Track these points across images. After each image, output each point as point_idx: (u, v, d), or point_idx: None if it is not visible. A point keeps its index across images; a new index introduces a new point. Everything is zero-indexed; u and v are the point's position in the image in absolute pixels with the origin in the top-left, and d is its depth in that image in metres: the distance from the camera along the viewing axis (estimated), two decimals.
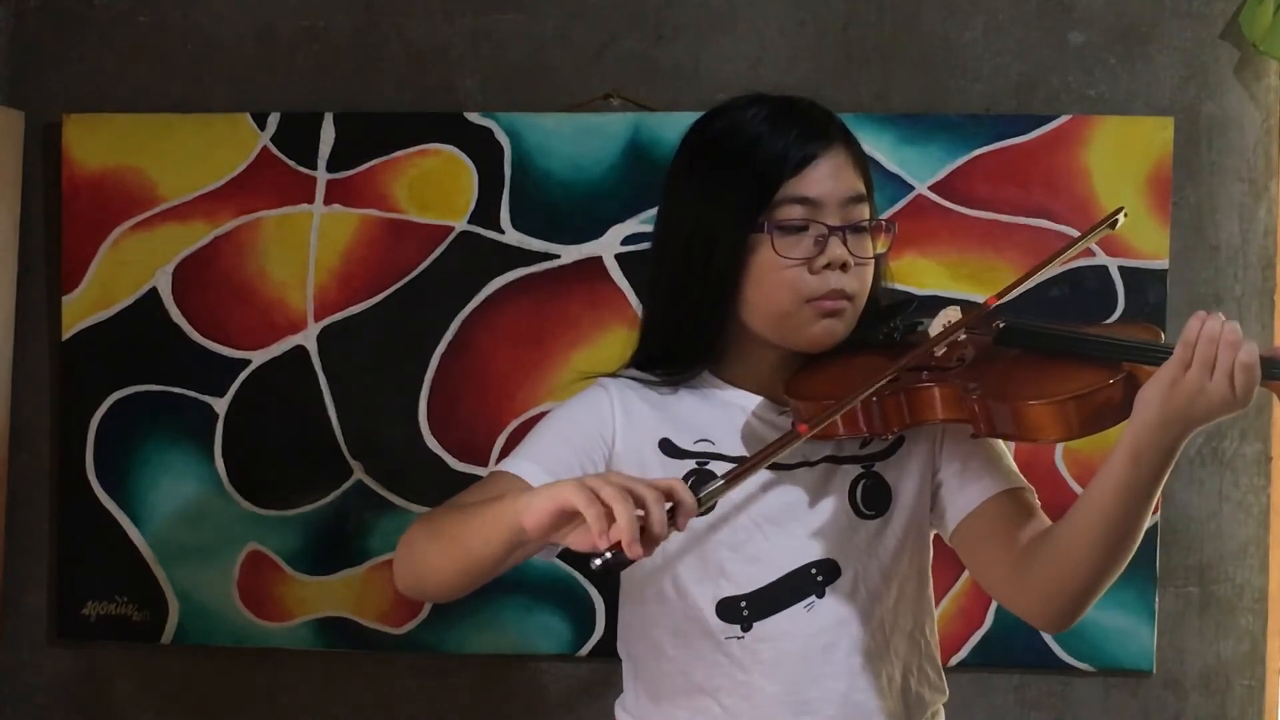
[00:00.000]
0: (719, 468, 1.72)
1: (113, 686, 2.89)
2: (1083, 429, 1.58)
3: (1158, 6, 2.74)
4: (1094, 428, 1.59)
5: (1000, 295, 1.71)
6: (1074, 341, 1.65)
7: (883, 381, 1.63)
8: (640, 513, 1.43)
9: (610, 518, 1.42)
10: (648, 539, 1.43)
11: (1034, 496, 1.76)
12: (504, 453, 2.71)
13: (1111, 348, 1.61)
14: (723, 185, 1.70)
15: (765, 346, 1.75)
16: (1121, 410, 1.58)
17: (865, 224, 1.72)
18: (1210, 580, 2.74)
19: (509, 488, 1.67)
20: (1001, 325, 1.72)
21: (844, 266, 1.69)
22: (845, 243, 1.69)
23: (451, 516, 1.64)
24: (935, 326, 1.72)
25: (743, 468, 1.53)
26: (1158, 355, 1.56)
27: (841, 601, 1.73)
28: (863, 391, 1.62)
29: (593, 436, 1.75)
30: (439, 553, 1.64)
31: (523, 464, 1.72)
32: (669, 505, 1.45)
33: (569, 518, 1.47)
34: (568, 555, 1.76)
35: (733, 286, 1.71)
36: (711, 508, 1.67)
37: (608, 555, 1.42)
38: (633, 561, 1.43)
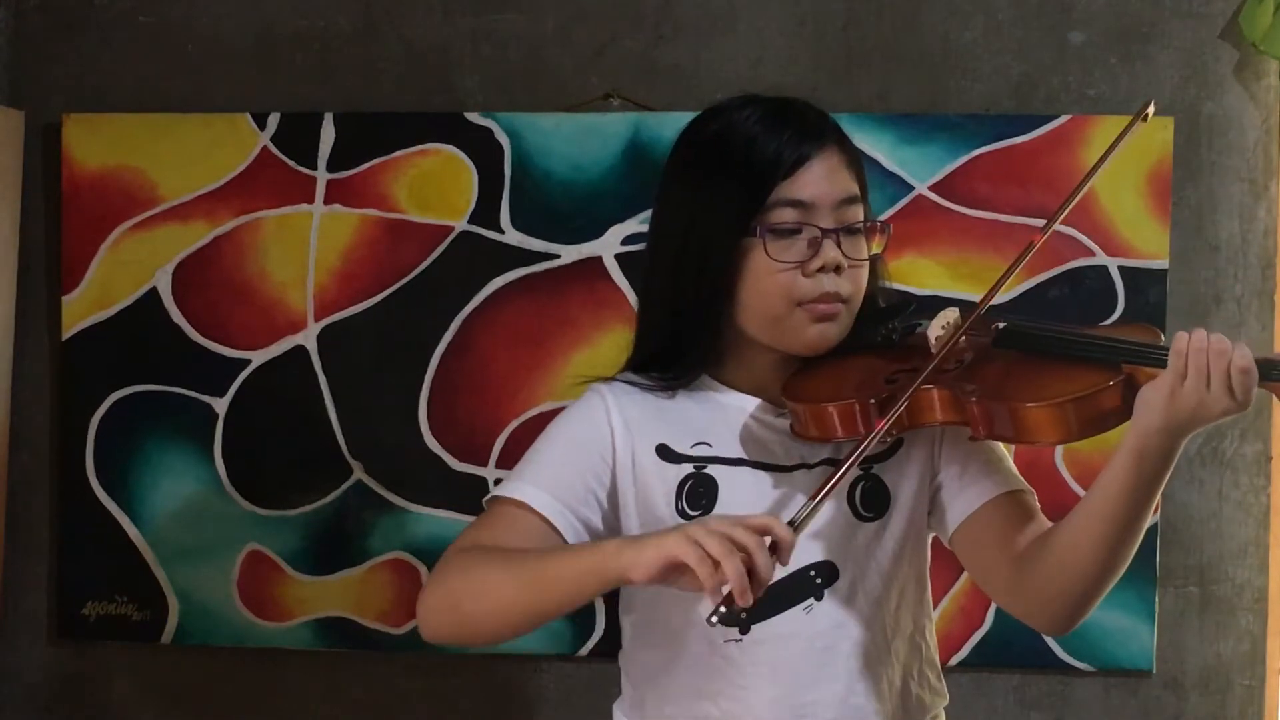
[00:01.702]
0: (717, 471, 1.72)
1: (112, 686, 2.90)
2: (1082, 431, 1.58)
3: (1158, 6, 2.74)
4: (1093, 430, 1.58)
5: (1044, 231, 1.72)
6: (1073, 343, 1.65)
7: (913, 388, 1.63)
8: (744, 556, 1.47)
9: (720, 573, 1.47)
10: (756, 583, 1.48)
11: (1034, 499, 1.75)
12: (504, 453, 2.75)
13: (1110, 349, 1.61)
14: (716, 188, 1.69)
15: (762, 349, 1.74)
16: (1121, 412, 1.57)
17: (859, 226, 1.71)
18: (1210, 580, 2.74)
19: (523, 525, 1.69)
20: (1000, 327, 1.72)
21: (837, 269, 1.68)
22: (839, 245, 1.68)
23: (510, 566, 1.64)
24: (934, 327, 1.71)
25: (829, 483, 1.57)
26: (1157, 357, 1.55)
27: (840, 604, 1.73)
28: (905, 398, 1.63)
29: (593, 450, 1.74)
30: (498, 602, 1.64)
31: (526, 489, 1.71)
32: (769, 541, 1.49)
33: (679, 570, 1.51)
34: None
35: (726, 290, 1.70)
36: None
37: (723, 610, 1.47)
38: (745, 610, 1.50)
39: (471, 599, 1.65)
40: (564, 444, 1.76)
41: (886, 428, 1.61)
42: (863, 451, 1.59)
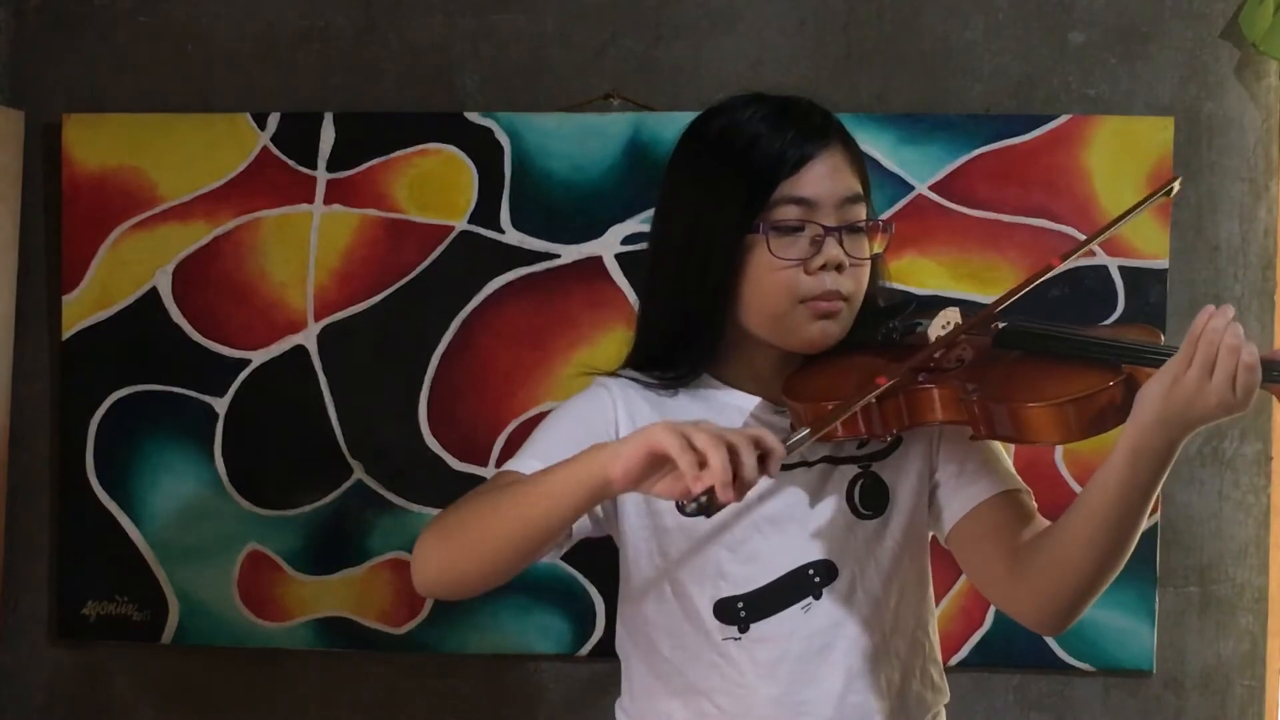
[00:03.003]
0: None
1: (113, 686, 2.89)
2: (1082, 431, 1.58)
3: (1158, 6, 2.74)
4: (1093, 430, 1.58)
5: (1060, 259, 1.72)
6: (1073, 343, 1.65)
7: (888, 385, 1.63)
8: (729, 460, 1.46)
9: (703, 463, 1.44)
10: (739, 484, 1.46)
11: (1031, 499, 1.75)
12: (504, 453, 2.75)
13: (1111, 349, 1.61)
14: (719, 185, 1.70)
15: (763, 347, 1.74)
16: (1121, 412, 1.57)
17: (862, 224, 1.71)
18: (1210, 580, 2.74)
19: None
20: (1001, 327, 1.72)
21: (840, 267, 1.68)
22: (841, 243, 1.69)
23: (492, 498, 1.63)
24: (934, 327, 1.72)
25: (831, 415, 1.57)
26: (1157, 357, 1.55)
27: (839, 603, 1.73)
28: (866, 395, 1.62)
29: (598, 434, 1.74)
30: (480, 537, 1.61)
31: (531, 463, 1.71)
32: (758, 453, 1.48)
33: (659, 464, 1.49)
34: (568, 554, 1.77)
35: (729, 287, 1.70)
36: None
37: (701, 499, 1.45)
38: (723, 506, 1.47)
39: (461, 529, 1.64)
40: (569, 425, 1.76)
41: (889, 386, 1.63)
42: (866, 400, 1.61)
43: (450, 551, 1.65)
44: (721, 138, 1.72)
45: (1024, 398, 1.59)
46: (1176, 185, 1.80)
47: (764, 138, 1.69)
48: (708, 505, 1.46)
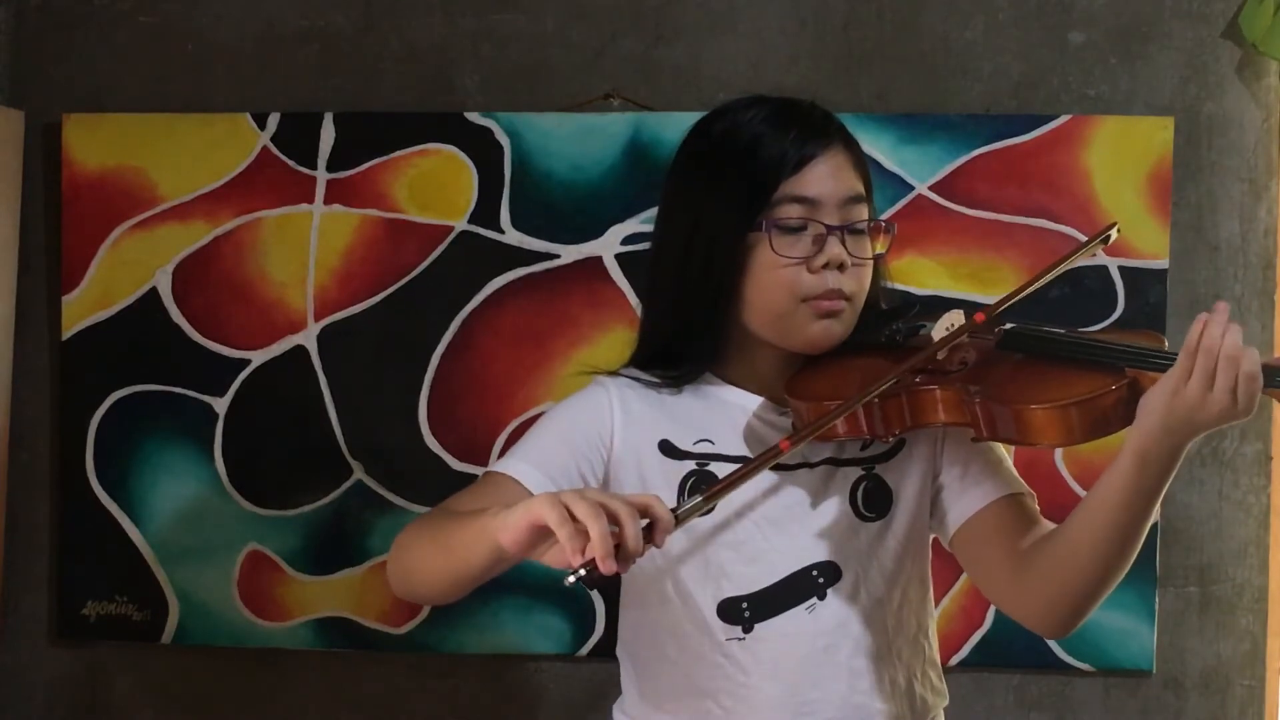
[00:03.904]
0: (719, 468, 1.72)
1: (112, 686, 2.89)
2: (1085, 434, 1.58)
3: (1158, 6, 2.74)
4: (1096, 433, 1.58)
5: (994, 308, 1.69)
6: (1077, 346, 1.65)
7: (883, 386, 1.63)
8: (615, 529, 1.43)
9: (584, 535, 1.42)
10: (622, 555, 1.43)
11: (1034, 501, 1.76)
12: (503, 453, 2.73)
13: (1114, 353, 1.61)
14: (722, 184, 1.70)
15: (766, 347, 1.75)
16: (1124, 416, 1.57)
17: (864, 224, 1.72)
18: (1210, 580, 2.74)
19: (503, 493, 1.67)
20: (1004, 329, 1.72)
21: (841, 266, 1.69)
22: (843, 243, 1.69)
23: (440, 524, 1.65)
24: (938, 329, 1.72)
25: (722, 484, 1.54)
26: (1161, 361, 1.55)
27: (843, 604, 1.73)
28: (860, 398, 1.62)
29: (591, 437, 1.75)
30: (428, 559, 1.65)
31: (518, 465, 1.72)
32: (645, 522, 1.45)
33: (544, 534, 1.46)
34: None
35: (731, 286, 1.71)
36: (710, 510, 1.66)
37: (582, 572, 1.42)
38: (607, 578, 1.43)
39: (411, 557, 1.68)
40: (562, 426, 1.77)
41: (852, 408, 1.62)
42: (799, 444, 1.59)
43: (408, 565, 1.69)
44: (724, 138, 1.72)
45: (1027, 400, 1.59)
46: (1114, 233, 1.78)
47: (766, 137, 1.69)
48: (588, 577, 1.42)
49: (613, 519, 1.42)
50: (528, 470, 1.71)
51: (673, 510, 1.47)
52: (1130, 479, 1.56)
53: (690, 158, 1.77)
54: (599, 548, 1.41)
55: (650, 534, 1.45)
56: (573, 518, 1.42)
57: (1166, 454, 1.54)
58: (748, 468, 1.56)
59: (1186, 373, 1.50)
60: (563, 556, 1.44)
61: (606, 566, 1.41)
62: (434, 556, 1.63)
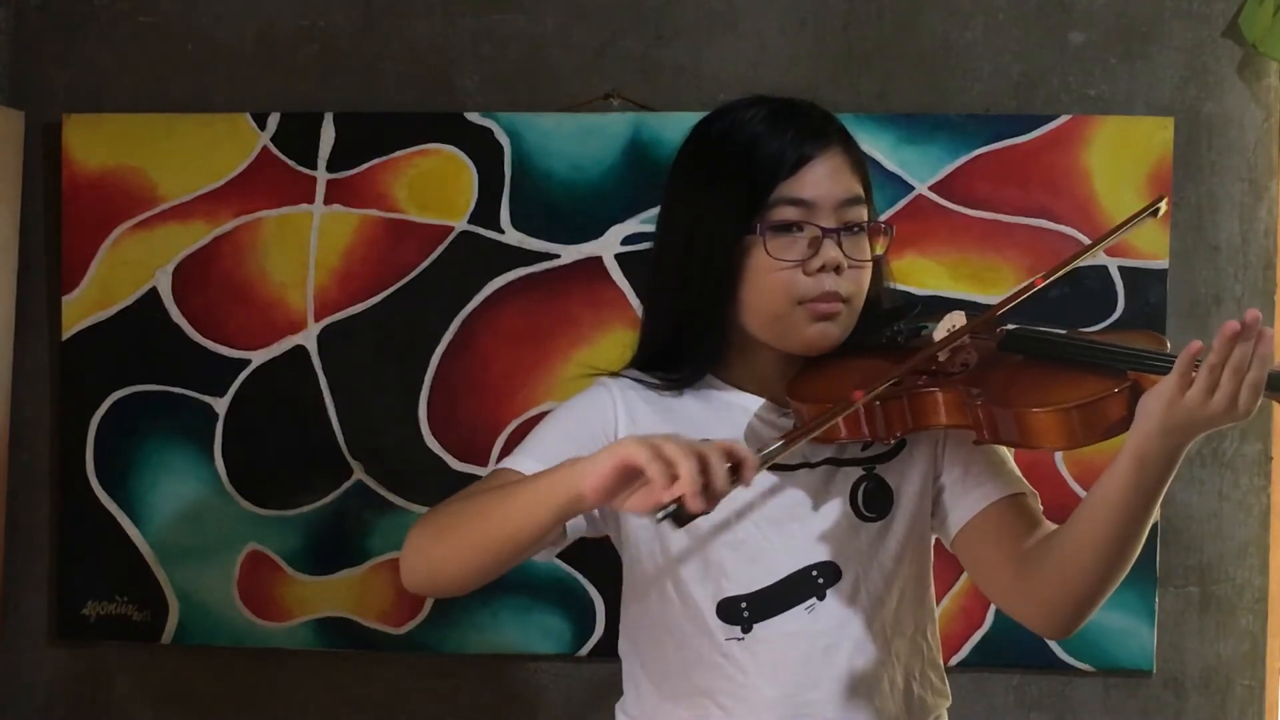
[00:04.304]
0: None
1: (112, 686, 2.89)
2: (1086, 437, 1.57)
3: (1158, 6, 2.74)
4: (1098, 436, 1.58)
5: (1048, 275, 1.70)
6: (1079, 349, 1.64)
7: (883, 388, 1.63)
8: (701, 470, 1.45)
9: (673, 474, 1.44)
10: (710, 494, 1.45)
11: (1037, 502, 1.75)
12: (504, 452, 2.73)
13: (1117, 356, 1.60)
14: (719, 186, 1.70)
15: (766, 349, 1.75)
16: (1126, 419, 1.56)
17: (860, 226, 1.71)
18: (1210, 580, 2.74)
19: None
20: (1006, 331, 1.71)
21: (838, 269, 1.68)
22: (840, 245, 1.69)
23: (472, 503, 1.64)
24: (940, 331, 1.71)
25: (801, 432, 1.57)
26: (1163, 365, 1.55)
27: (842, 604, 1.73)
28: (874, 389, 1.62)
29: (596, 435, 1.74)
30: (464, 537, 1.63)
31: (526, 461, 1.71)
32: (729, 464, 1.47)
33: (630, 478, 1.48)
34: (567, 554, 1.77)
35: (729, 288, 1.71)
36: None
37: (671, 508, 1.44)
38: (695, 517, 1.46)
39: (446, 531, 1.66)
40: (568, 424, 1.77)
41: (878, 392, 1.62)
42: (836, 415, 1.60)
43: (435, 551, 1.67)
44: (723, 138, 1.72)
45: (1029, 403, 1.59)
46: (1164, 205, 1.78)
47: (763, 138, 1.69)
48: (677, 514, 1.45)
49: (700, 460, 1.45)
50: (536, 467, 1.70)
51: (758, 450, 1.50)
52: (1129, 480, 1.56)
53: (690, 158, 1.77)
54: (689, 484, 1.43)
55: (737, 473, 1.48)
56: (662, 457, 1.44)
57: (1165, 455, 1.54)
58: (824, 419, 1.59)
59: (1187, 380, 1.50)
60: (647, 499, 1.47)
61: (695, 504, 1.44)
62: (472, 533, 1.62)
